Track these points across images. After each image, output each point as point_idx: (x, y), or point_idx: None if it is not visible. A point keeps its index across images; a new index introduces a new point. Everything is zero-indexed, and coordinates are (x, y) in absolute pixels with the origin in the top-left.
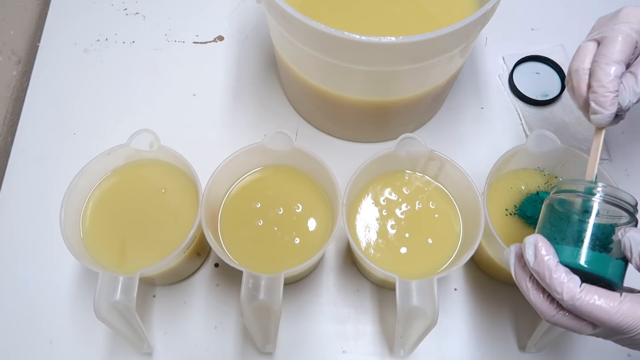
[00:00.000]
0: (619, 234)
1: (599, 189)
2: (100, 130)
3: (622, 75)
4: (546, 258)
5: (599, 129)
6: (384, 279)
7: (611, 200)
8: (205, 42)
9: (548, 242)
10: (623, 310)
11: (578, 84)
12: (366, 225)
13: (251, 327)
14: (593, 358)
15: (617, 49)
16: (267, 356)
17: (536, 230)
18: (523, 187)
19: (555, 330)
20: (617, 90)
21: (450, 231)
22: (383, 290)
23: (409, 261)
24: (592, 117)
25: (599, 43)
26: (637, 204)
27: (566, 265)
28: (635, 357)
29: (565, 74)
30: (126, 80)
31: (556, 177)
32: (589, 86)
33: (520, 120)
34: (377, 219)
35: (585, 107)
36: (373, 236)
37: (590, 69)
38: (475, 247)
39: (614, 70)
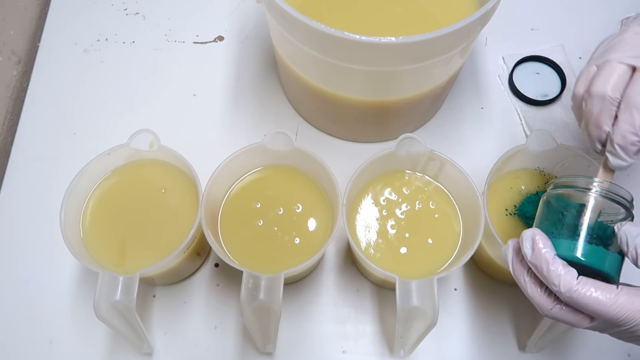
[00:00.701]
0: (615, 228)
1: (595, 184)
2: (100, 130)
3: None
4: (543, 251)
5: (610, 169)
6: (384, 279)
7: (607, 195)
8: (205, 42)
9: (545, 236)
10: (619, 303)
11: (600, 114)
12: (366, 225)
13: (251, 327)
14: (593, 358)
15: None
16: (267, 356)
17: (534, 225)
18: (523, 187)
19: (556, 330)
20: None
21: (450, 231)
22: (383, 290)
23: (409, 261)
24: (611, 159)
25: (634, 69)
26: (633, 199)
27: (563, 259)
28: (635, 358)
29: (575, 76)
30: (126, 80)
31: (556, 177)
32: (614, 118)
33: (520, 120)
34: (377, 219)
35: (599, 139)
36: (373, 236)
37: (619, 100)
38: (475, 247)
39: None
